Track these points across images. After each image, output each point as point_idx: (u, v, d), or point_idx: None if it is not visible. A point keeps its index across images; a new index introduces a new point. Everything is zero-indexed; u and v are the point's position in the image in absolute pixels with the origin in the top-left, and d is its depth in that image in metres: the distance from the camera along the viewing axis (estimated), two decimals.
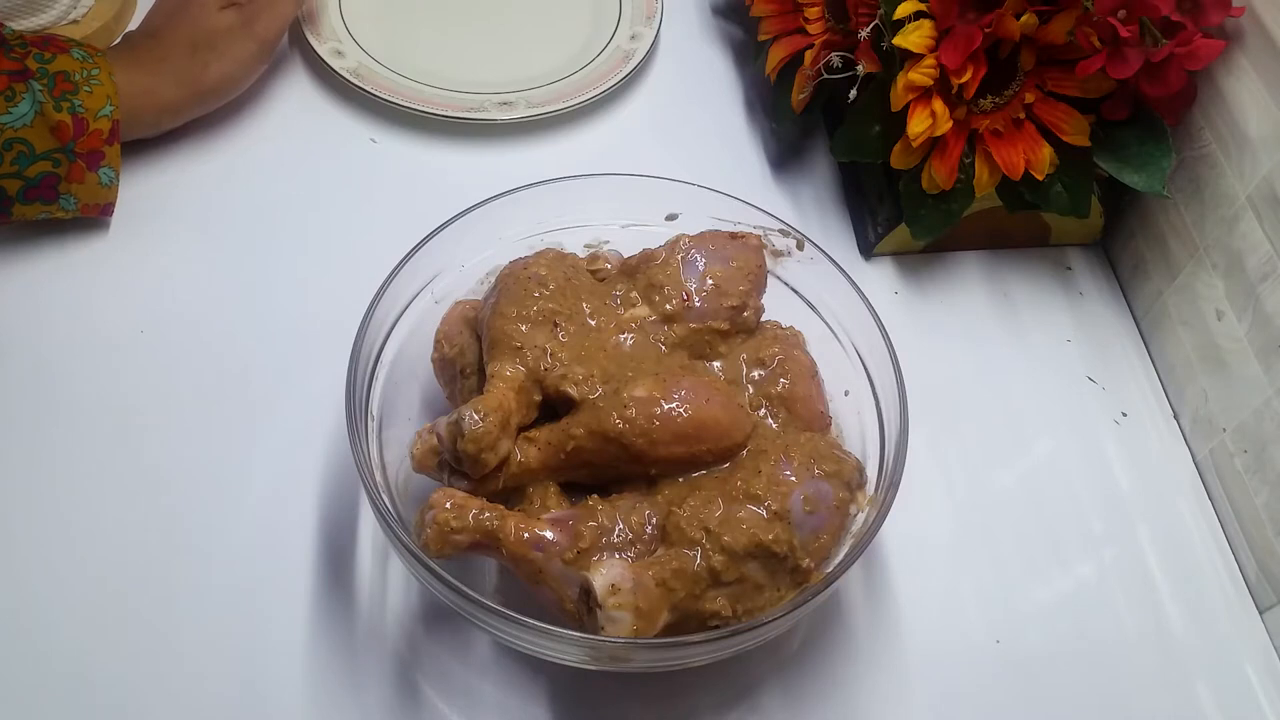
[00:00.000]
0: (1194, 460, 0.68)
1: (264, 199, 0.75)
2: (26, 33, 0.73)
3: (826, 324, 0.62)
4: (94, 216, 0.71)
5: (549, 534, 0.51)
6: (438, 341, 0.60)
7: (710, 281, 0.59)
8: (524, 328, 0.56)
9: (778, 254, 0.63)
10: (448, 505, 0.51)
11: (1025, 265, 0.76)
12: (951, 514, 0.65)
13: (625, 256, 0.62)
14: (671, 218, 0.64)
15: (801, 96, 0.75)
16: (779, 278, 0.63)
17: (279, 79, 0.82)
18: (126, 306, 0.68)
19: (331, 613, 0.58)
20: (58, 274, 0.69)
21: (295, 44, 0.84)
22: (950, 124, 0.67)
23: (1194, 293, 0.68)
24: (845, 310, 0.61)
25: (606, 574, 0.49)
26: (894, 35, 0.66)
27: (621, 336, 0.57)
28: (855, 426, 0.60)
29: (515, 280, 0.58)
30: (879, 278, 0.75)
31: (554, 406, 0.55)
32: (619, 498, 0.54)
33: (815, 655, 0.59)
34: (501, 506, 0.52)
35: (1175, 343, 0.70)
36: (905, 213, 0.71)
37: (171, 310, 0.69)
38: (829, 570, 0.52)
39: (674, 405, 0.53)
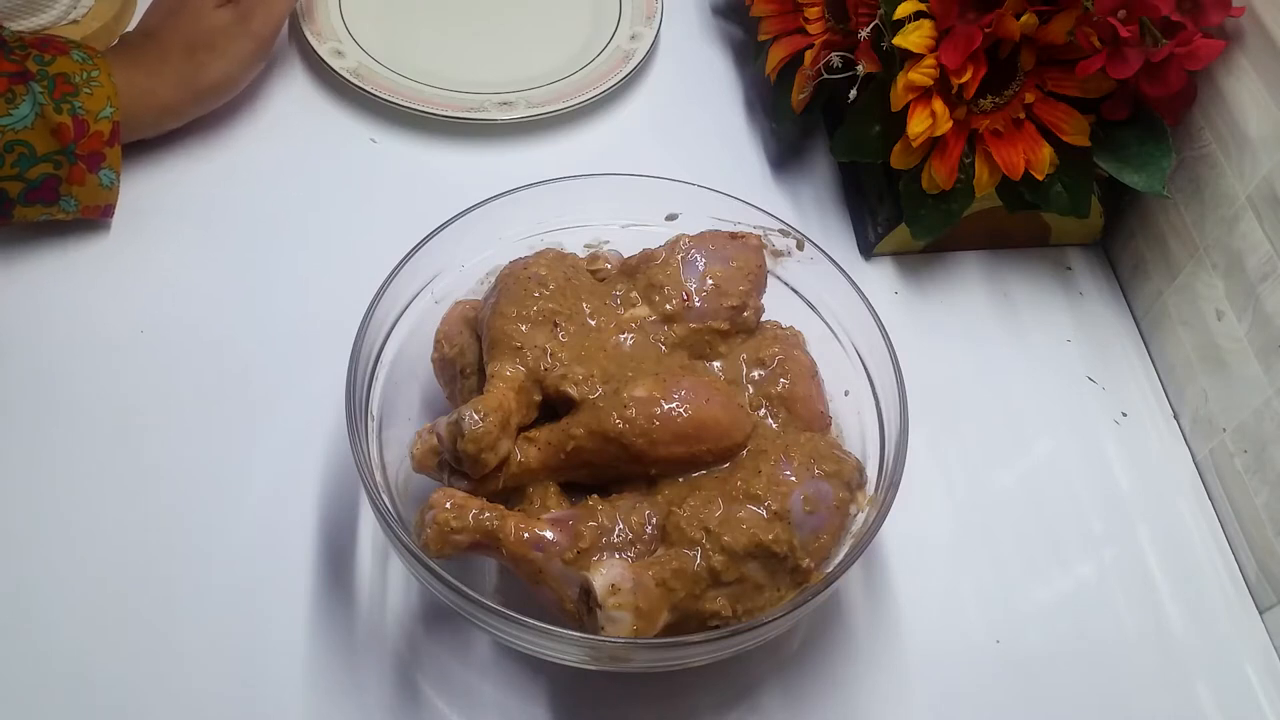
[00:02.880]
0: (1194, 460, 0.68)
1: (264, 199, 0.75)
2: (26, 34, 0.73)
3: (826, 324, 0.62)
4: (95, 218, 0.71)
5: (549, 534, 0.51)
6: (438, 341, 0.60)
7: (710, 281, 0.59)
8: (524, 328, 0.56)
9: (778, 254, 0.63)
10: (448, 505, 0.51)
11: (1025, 265, 0.76)
12: (951, 514, 0.65)
13: (625, 256, 0.62)
14: (671, 218, 0.64)
15: (801, 96, 0.75)
16: (779, 278, 0.63)
17: (279, 79, 0.82)
18: (127, 307, 0.68)
19: (331, 613, 0.58)
20: (58, 274, 0.69)
21: (295, 44, 0.84)
22: (950, 124, 0.67)
23: (1194, 293, 0.68)
24: (845, 310, 0.61)
25: (606, 574, 0.49)
26: (894, 35, 0.66)
27: (621, 336, 0.57)
28: (855, 426, 0.60)
29: (515, 280, 0.58)
30: (879, 278, 0.75)
31: (554, 406, 0.55)
32: (619, 498, 0.54)
33: (815, 655, 0.59)
34: (501, 506, 0.52)
35: (1175, 343, 0.70)
36: (905, 213, 0.71)
37: (172, 310, 0.69)
38: (829, 570, 0.52)
39: (674, 405, 0.53)
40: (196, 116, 0.76)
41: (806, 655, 0.59)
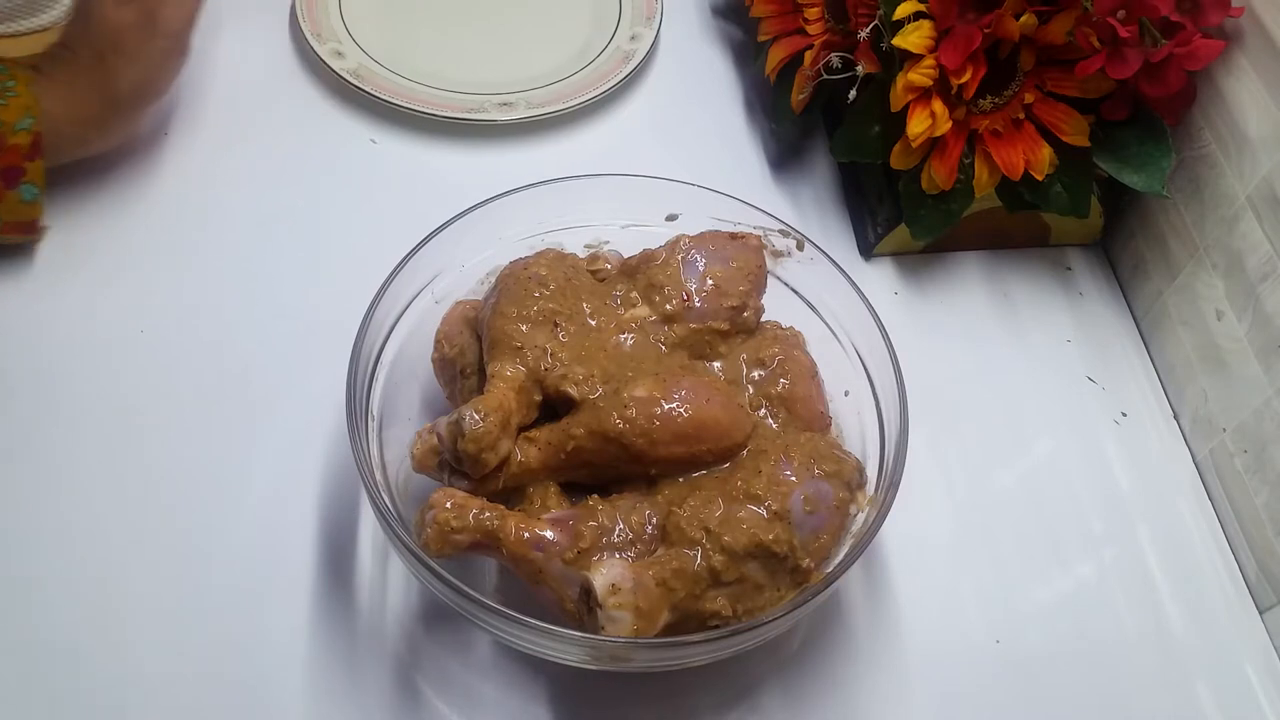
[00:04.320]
0: (1194, 460, 0.68)
1: (264, 199, 0.75)
2: None
3: (826, 324, 0.62)
4: (18, 236, 0.68)
5: (549, 534, 0.51)
6: (438, 341, 0.60)
7: (710, 282, 0.59)
8: (524, 328, 0.56)
9: (778, 254, 0.63)
10: (448, 505, 0.51)
11: (1025, 265, 0.76)
12: (951, 514, 0.65)
13: (625, 256, 0.62)
14: (671, 218, 0.65)
15: (801, 97, 0.75)
16: (779, 278, 0.63)
17: (279, 80, 0.82)
18: (127, 307, 0.68)
19: (331, 613, 0.58)
20: (58, 274, 0.69)
21: (295, 44, 0.84)
22: (950, 124, 0.67)
23: (1194, 293, 0.68)
24: (845, 310, 0.61)
25: (607, 574, 0.49)
26: (893, 36, 0.66)
27: (621, 336, 0.57)
28: (855, 426, 0.60)
29: (515, 280, 0.58)
30: (879, 278, 0.75)
31: (554, 406, 0.55)
32: (619, 498, 0.54)
33: (815, 655, 0.59)
34: (502, 506, 0.52)
35: (1175, 343, 0.70)
36: (905, 213, 0.71)
37: (172, 310, 0.69)
38: (829, 570, 0.52)
39: (674, 405, 0.53)
40: (124, 128, 0.71)
41: (806, 655, 0.59)
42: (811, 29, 0.76)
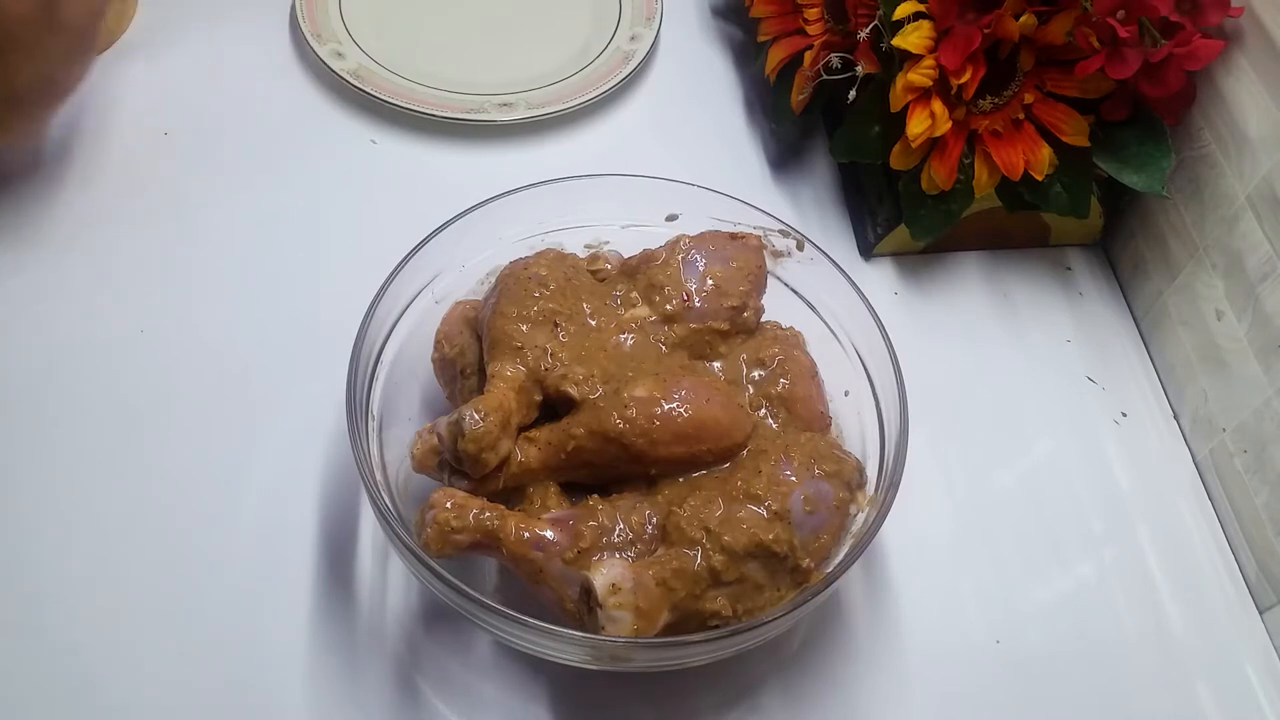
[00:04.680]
0: (1194, 460, 0.68)
1: (264, 199, 0.75)
2: None
3: (826, 324, 0.62)
4: None
5: (549, 534, 0.51)
6: (438, 341, 0.60)
7: (710, 282, 0.59)
8: (524, 328, 0.56)
9: (778, 254, 0.63)
10: (448, 505, 0.51)
11: (1025, 265, 0.76)
12: (951, 514, 0.65)
13: (625, 257, 0.62)
14: (671, 218, 0.65)
15: (801, 97, 0.75)
16: (779, 278, 0.63)
17: (279, 80, 0.82)
18: (127, 307, 0.68)
19: (331, 613, 0.58)
20: (58, 274, 0.69)
21: (295, 45, 0.84)
22: (949, 124, 0.67)
23: (1194, 293, 0.68)
24: (845, 310, 0.61)
25: (607, 574, 0.49)
26: (893, 36, 0.66)
27: (622, 336, 0.57)
28: (855, 426, 0.60)
29: (515, 280, 0.58)
30: (879, 278, 0.75)
31: (554, 406, 0.55)
32: (619, 498, 0.54)
33: (815, 655, 0.59)
34: (502, 506, 0.52)
35: (1175, 343, 0.70)
36: (905, 213, 0.71)
37: (172, 310, 0.69)
38: (829, 570, 0.52)
39: (674, 405, 0.53)
40: (27, 127, 0.69)
41: (806, 655, 0.59)
42: (811, 29, 0.76)
